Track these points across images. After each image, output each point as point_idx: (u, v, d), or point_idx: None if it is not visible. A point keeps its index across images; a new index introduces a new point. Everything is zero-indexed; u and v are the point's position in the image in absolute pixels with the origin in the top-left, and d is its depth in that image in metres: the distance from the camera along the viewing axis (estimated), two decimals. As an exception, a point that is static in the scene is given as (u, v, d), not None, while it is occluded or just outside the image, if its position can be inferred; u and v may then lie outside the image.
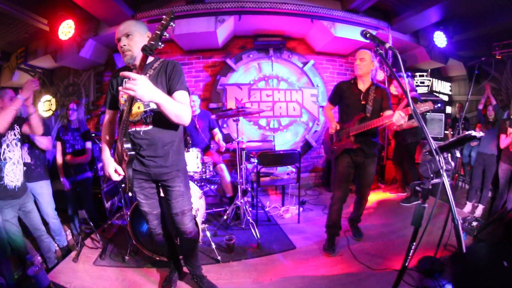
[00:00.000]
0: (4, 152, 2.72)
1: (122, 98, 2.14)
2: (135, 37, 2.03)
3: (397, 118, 2.61)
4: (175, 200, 2.30)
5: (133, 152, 2.07)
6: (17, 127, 2.89)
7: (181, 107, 1.98)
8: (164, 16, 1.67)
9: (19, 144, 2.89)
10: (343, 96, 3.21)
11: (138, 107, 2.08)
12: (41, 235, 3.15)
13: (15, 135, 2.85)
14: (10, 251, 2.78)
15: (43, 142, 3.24)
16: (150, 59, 2.16)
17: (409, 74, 5.93)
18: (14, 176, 2.79)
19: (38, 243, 3.17)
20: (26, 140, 3.12)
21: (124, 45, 2.03)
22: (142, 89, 1.73)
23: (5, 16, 5.03)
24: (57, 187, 3.74)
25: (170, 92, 2.04)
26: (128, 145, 2.05)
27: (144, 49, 1.70)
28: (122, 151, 2.07)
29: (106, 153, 2.26)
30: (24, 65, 6.48)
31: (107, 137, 2.34)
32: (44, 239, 3.17)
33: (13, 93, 2.88)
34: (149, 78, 1.97)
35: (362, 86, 3.11)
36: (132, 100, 1.92)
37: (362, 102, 3.06)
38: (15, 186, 2.79)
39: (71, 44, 5.47)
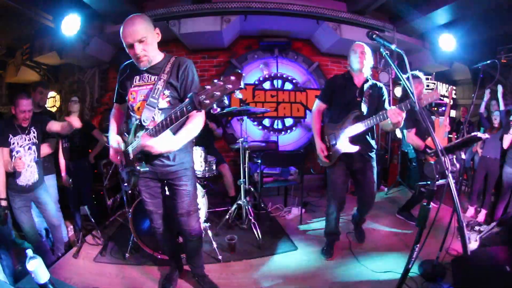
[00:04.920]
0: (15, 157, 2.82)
1: (131, 96, 2.10)
2: (148, 40, 1.92)
3: (392, 114, 2.39)
4: (181, 200, 2.23)
5: (146, 168, 2.07)
6: (35, 130, 2.94)
7: (196, 126, 1.97)
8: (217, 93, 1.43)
9: (33, 147, 2.95)
10: (337, 92, 2.93)
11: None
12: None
13: (29, 139, 2.91)
14: (12, 244, 2.82)
15: (44, 151, 3.29)
16: (160, 57, 2.08)
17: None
18: (24, 178, 2.90)
19: (52, 233, 3.29)
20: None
21: (141, 51, 1.92)
22: (158, 150, 1.85)
23: (10, 12, 5.04)
24: (58, 183, 3.76)
25: (184, 97, 1.94)
26: (146, 169, 2.06)
27: (194, 106, 1.51)
28: (135, 165, 2.07)
29: (112, 135, 2.26)
30: (29, 61, 6.52)
31: (114, 125, 2.35)
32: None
33: (29, 105, 2.82)
34: (163, 83, 1.97)
35: (357, 81, 2.87)
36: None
37: (358, 99, 2.82)
38: (26, 185, 2.91)
39: (77, 41, 5.47)
